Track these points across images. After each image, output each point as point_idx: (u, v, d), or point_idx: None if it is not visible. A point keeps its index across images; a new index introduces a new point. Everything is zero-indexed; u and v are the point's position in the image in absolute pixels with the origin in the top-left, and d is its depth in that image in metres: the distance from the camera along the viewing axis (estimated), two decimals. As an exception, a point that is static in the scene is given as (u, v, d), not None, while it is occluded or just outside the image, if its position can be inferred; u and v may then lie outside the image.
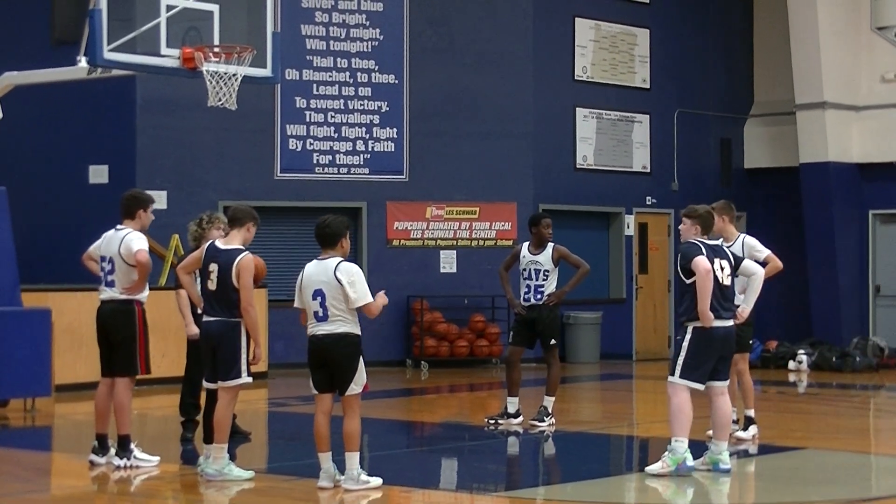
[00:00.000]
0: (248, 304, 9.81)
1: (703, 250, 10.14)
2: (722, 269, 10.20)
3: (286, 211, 19.78)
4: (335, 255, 9.48)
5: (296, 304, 9.58)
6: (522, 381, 13.45)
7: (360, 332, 9.48)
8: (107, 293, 10.65)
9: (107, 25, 12.03)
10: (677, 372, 10.14)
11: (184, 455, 11.52)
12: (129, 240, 10.55)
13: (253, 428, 12.77)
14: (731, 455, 10.50)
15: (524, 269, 13.25)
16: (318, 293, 9.39)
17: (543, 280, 13.14)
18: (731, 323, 10.27)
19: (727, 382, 10.40)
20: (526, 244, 13.40)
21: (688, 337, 10.15)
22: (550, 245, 13.18)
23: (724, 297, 10.17)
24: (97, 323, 10.73)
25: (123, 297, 10.57)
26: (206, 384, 10.28)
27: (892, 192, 22.28)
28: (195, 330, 11.48)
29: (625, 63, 22.58)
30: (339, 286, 9.32)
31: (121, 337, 10.56)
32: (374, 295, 9.47)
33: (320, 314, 9.40)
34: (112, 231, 10.74)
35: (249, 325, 9.89)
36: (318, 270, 9.44)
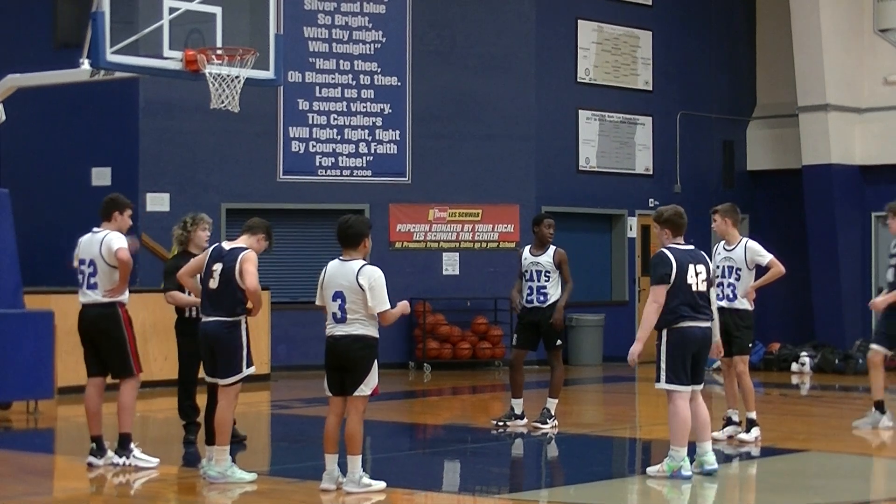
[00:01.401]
0: (255, 289, 9.81)
1: (673, 261, 9.94)
2: (697, 273, 10.01)
3: (289, 213, 19.73)
4: (357, 256, 9.46)
5: (317, 302, 9.56)
6: (525, 384, 13.45)
7: (377, 336, 9.48)
8: (89, 296, 10.59)
9: (109, 28, 12.02)
10: (662, 377, 10.13)
11: (186, 457, 11.52)
12: (109, 240, 10.53)
13: (255, 430, 12.75)
14: (733, 458, 10.49)
15: (526, 271, 13.24)
16: (338, 295, 9.36)
17: (545, 281, 13.12)
18: (707, 324, 10.17)
19: (702, 386, 10.31)
20: (528, 247, 13.41)
21: (664, 340, 10.11)
22: (552, 247, 13.18)
23: (697, 304, 10.02)
24: (81, 327, 10.67)
25: (106, 300, 10.53)
26: (207, 378, 10.23)
27: (894, 193, 22.22)
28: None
29: (627, 65, 22.58)
30: (361, 291, 9.30)
31: (111, 341, 10.53)
32: (396, 303, 9.47)
33: (339, 316, 9.39)
34: (89, 234, 10.73)
35: (255, 304, 9.91)
36: (340, 272, 9.40)
